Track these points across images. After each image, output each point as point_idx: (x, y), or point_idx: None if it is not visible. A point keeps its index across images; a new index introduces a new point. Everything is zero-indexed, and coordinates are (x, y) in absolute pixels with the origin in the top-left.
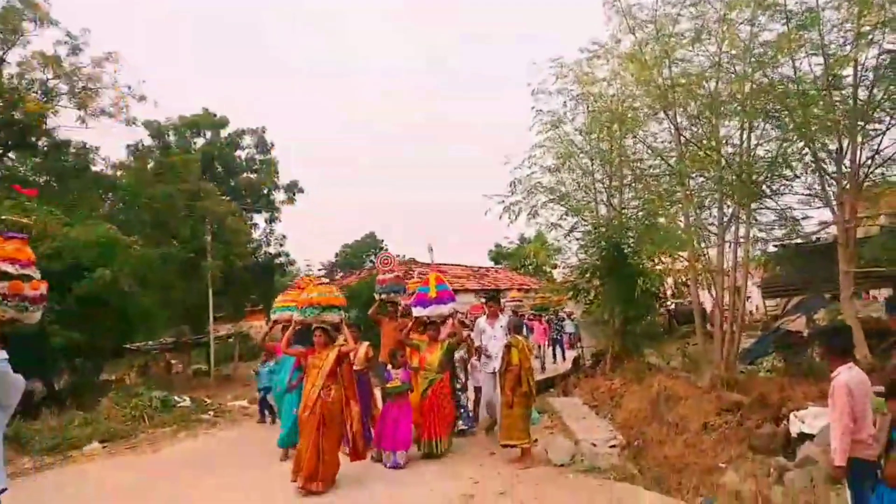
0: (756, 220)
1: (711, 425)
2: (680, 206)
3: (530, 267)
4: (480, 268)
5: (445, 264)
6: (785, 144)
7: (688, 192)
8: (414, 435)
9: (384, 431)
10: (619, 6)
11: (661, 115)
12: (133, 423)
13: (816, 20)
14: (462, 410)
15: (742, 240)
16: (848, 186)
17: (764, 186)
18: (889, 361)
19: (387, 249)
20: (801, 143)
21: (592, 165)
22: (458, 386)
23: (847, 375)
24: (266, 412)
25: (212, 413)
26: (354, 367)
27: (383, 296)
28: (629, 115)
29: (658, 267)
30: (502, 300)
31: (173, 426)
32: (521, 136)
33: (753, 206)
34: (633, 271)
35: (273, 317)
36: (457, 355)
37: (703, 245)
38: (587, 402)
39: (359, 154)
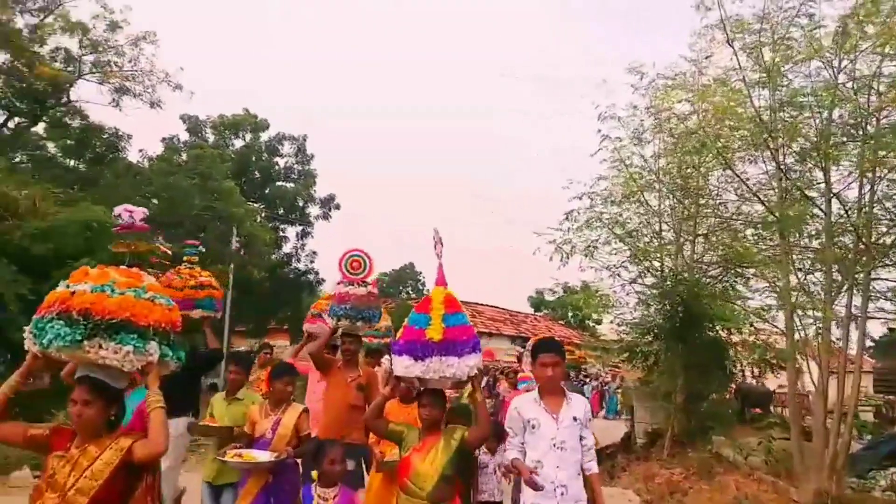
0: (874, 293)
1: None
2: (774, 264)
3: (573, 319)
4: (519, 313)
5: (477, 303)
6: None
7: (787, 249)
8: None
9: None
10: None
11: (755, 151)
12: None
13: None
14: None
15: (857, 314)
16: None
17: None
18: None
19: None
20: None
21: (661, 206)
22: None
23: None
24: None
25: None
26: (265, 457)
27: (342, 321)
28: (719, 145)
29: (737, 338)
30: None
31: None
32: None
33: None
34: (707, 339)
35: None
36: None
37: (809, 317)
38: (640, 492)
39: (401, 174)
